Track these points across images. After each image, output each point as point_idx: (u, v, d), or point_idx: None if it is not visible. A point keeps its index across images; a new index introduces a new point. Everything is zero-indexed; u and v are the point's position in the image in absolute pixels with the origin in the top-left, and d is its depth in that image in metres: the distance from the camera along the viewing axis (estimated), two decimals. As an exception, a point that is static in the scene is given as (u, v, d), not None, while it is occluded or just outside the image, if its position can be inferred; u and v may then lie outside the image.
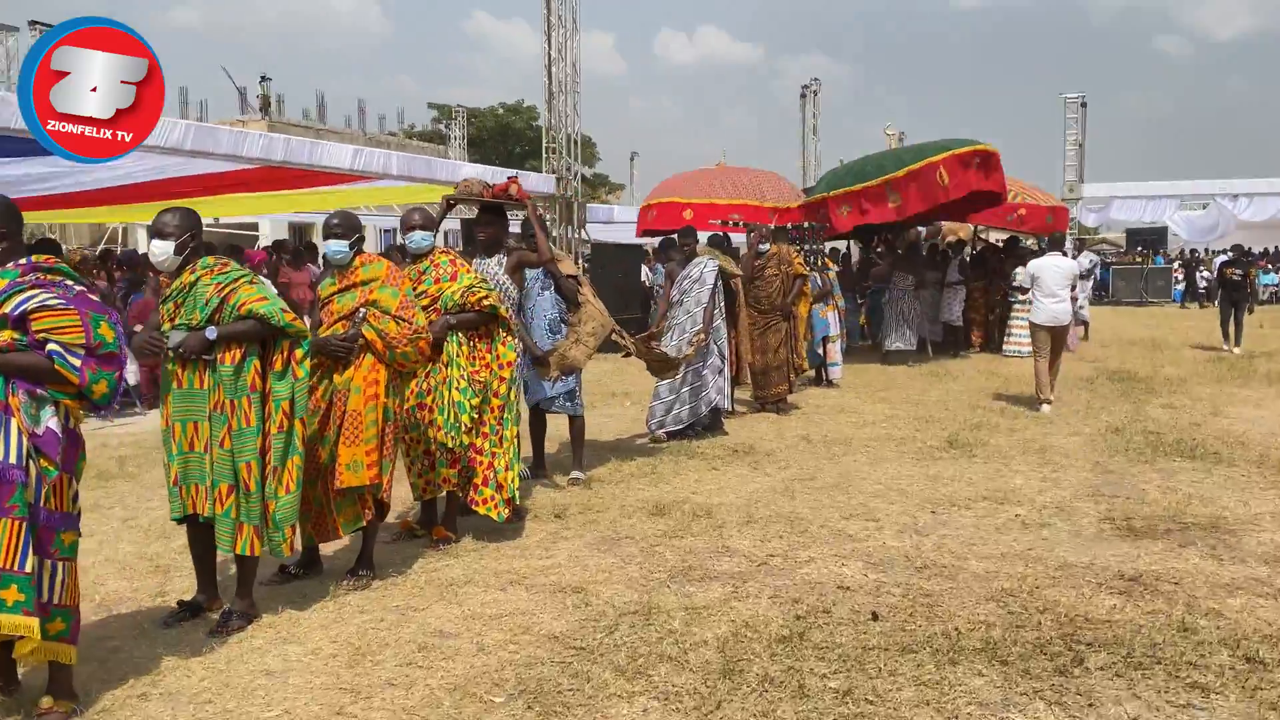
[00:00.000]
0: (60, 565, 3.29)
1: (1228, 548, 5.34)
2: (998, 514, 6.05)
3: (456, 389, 5.05)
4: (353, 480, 4.47)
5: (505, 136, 47.99)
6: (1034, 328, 10.17)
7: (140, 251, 14.48)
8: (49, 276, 3.33)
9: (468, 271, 5.22)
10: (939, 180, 12.83)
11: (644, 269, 16.36)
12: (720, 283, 8.64)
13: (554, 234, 17.25)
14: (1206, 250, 30.45)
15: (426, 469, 5.24)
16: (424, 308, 5.11)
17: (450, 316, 5.09)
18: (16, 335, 3.20)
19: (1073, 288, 10.19)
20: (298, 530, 4.29)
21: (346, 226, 4.60)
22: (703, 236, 10.00)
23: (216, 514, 4.03)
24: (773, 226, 11.22)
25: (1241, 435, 8.33)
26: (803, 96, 32.49)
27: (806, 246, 11.28)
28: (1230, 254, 15.23)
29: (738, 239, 12.62)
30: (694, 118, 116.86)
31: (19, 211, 3.48)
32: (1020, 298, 13.53)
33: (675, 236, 8.98)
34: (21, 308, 3.21)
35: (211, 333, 3.95)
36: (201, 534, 4.18)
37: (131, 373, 9.80)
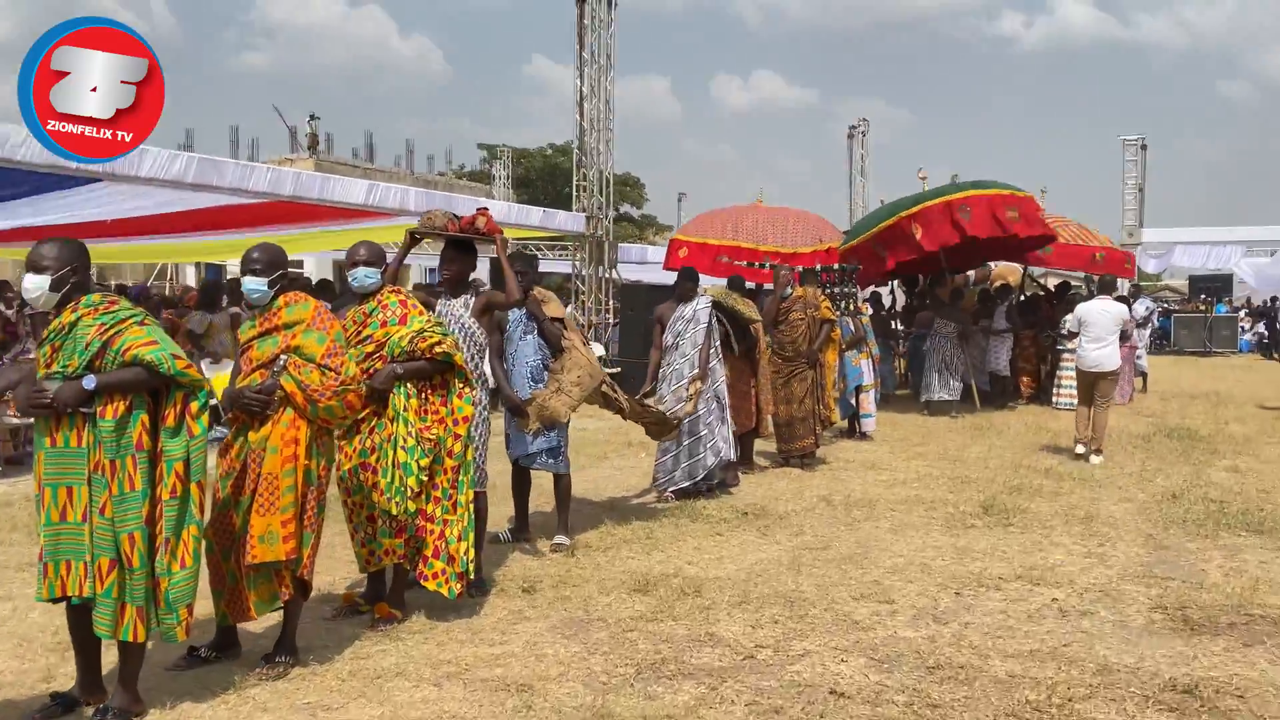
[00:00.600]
0: None
1: (1303, 649, 4.53)
2: (1031, 597, 5.29)
3: (403, 448, 4.46)
4: (266, 554, 3.88)
5: (554, 176, 47.91)
6: (1078, 373, 10.01)
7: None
8: None
9: (420, 314, 4.64)
10: (960, 216, 12.10)
11: (677, 310, 15.74)
12: (716, 323, 7.99)
13: (584, 273, 16.77)
14: (1275, 300, 29.03)
15: (370, 537, 4.64)
16: (368, 354, 4.56)
17: (397, 365, 4.51)
18: None
19: (1125, 335, 9.65)
20: (211, 610, 3.71)
21: (267, 261, 4.04)
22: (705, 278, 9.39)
23: (96, 593, 3.47)
24: (801, 268, 10.56)
25: (1317, 506, 7.44)
26: (850, 137, 31.83)
27: (837, 289, 10.59)
28: None
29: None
30: (748, 160, 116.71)
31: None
32: (1070, 346, 12.65)
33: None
34: None
35: (90, 382, 3.41)
36: (81, 617, 3.61)
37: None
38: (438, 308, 5.15)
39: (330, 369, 3.98)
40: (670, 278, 9.49)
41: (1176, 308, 29.07)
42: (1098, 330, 9.65)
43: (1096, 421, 9.68)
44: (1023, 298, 15.94)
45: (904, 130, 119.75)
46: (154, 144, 8.51)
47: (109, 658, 3.79)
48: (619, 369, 13.30)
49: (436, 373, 4.61)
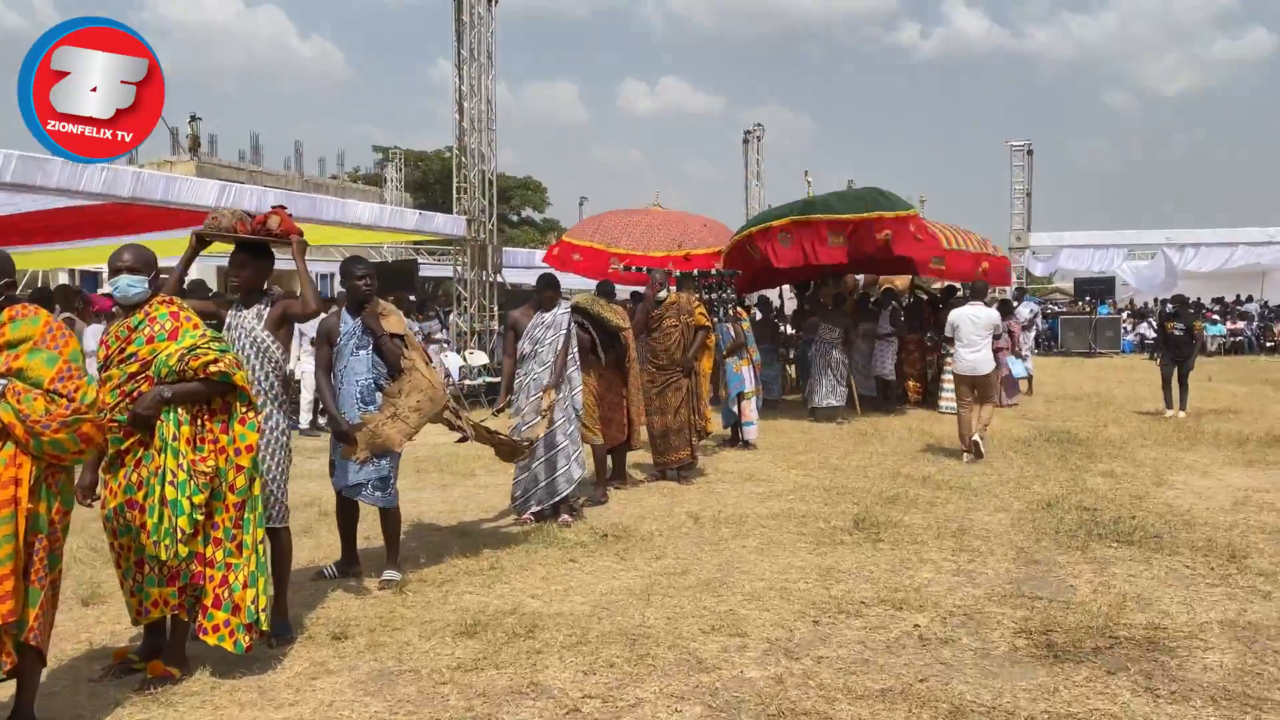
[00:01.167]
0: None
1: (1166, 675, 4.26)
2: (893, 624, 4.94)
3: (171, 483, 3.86)
4: (-21, 616, 3.26)
5: (452, 180, 47.00)
6: (955, 378, 10.15)
7: None
8: None
9: (194, 327, 4.04)
10: (880, 238, 12.00)
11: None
12: (579, 331, 7.54)
13: (466, 278, 16.13)
14: (1157, 301, 29.96)
15: (140, 585, 4.03)
16: (132, 375, 3.95)
17: (165, 388, 3.91)
18: None
19: (997, 338, 10.11)
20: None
21: (143, 260, 3.64)
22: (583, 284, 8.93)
23: None
24: (677, 272, 10.17)
25: (1186, 512, 7.33)
26: (745, 142, 31.74)
27: (714, 294, 10.23)
28: (1172, 306, 13.56)
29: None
30: (654, 166, 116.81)
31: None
32: (951, 350, 12.57)
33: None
34: None
35: None
36: None
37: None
38: (227, 319, 4.56)
39: (61, 395, 3.37)
40: (560, 277, 9.06)
41: (1064, 310, 29.72)
42: (969, 336, 9.88)
43: (981, 415, 9.85)
44: (909, 300, 15.89)
45: (806, 136, 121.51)
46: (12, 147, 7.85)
47: None
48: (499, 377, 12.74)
49: (213, 395, 4.02)
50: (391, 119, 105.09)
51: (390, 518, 5.60)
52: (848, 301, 14.33)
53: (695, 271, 10.33)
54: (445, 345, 14.95)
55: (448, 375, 14.75)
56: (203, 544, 3.99)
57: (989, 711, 3.86)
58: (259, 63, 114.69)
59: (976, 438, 9.71)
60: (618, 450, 8.62)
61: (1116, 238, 30.23)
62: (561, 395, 7.05)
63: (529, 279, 18.90)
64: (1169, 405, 12.40)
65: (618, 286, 10.26)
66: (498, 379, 12.30)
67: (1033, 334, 19.27)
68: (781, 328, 15.57)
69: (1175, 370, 12.37)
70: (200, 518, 3.93)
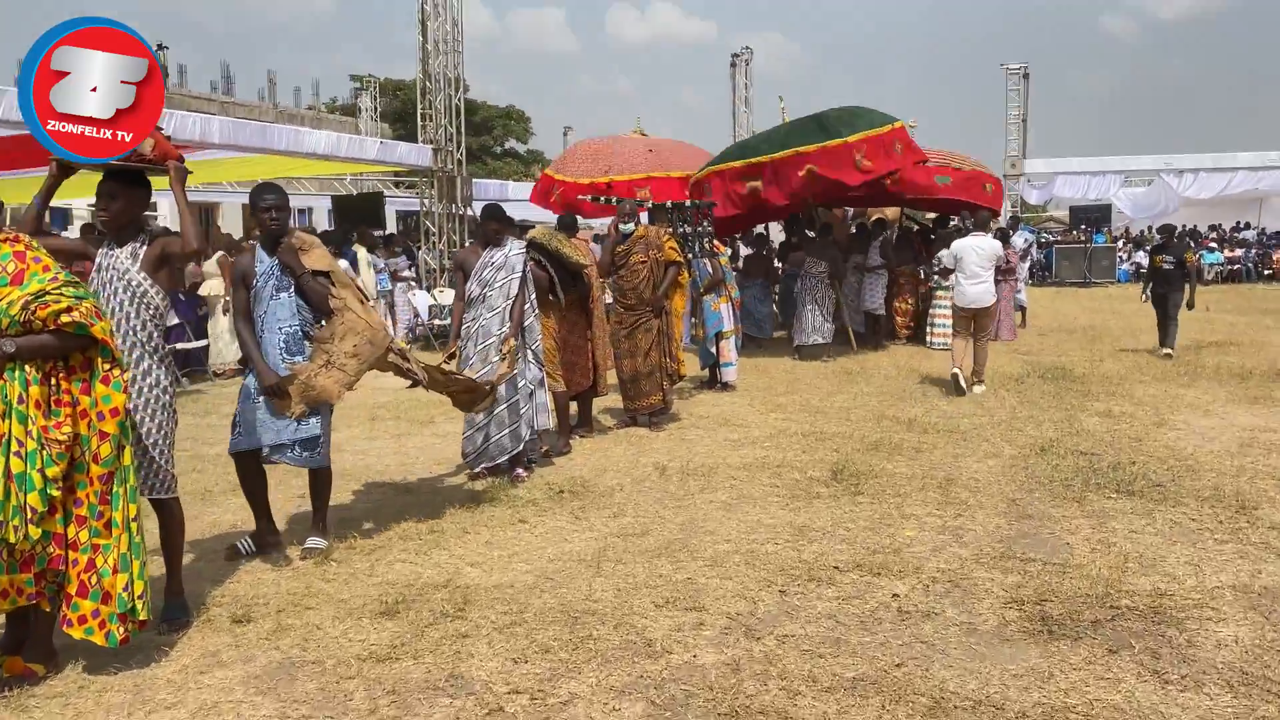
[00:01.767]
0: None
1: (1175, 653, 3.76)
2: (869, 594, 4.43)
3: (17, 454, 3.29)
4: None
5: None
6: (955, 311, 9.86)
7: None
8: None
9: (44, 270, 3.43)
10: (855, 163, 11.37)
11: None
12: (538, 270, 6.93)
13: (433, 211, 15.41)
14: (1150, 229, 29.28)
15: (-8, 571, 3.47)
16: (-32, 327, 3.34)
17: (6, 340, 3.31)
18: None
19: (1009, 271, 9.71)
20: None
21: None
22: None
23: None
24: (650, 204, 9.50)
25: (1190, 456, 6.82)
26: (733, 65, 30.58)
27: (689, 228, 9.56)
28: (1161, 237, 12.04)
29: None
30: (644, 95, 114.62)
31: None
32: (945, 284, 11.99)
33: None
34: None
35: None
36: None
37: None
38: (98, 258, 3.95)
39: None
40: (538, 213, 8.47)
41: (1058, 239, 29.04)
42: (973, 267, 9.62)
43: (977, 356, 9.59)
44: (896, 231, 15.23)
45: (797, 63, 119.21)
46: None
47: None
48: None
49: (69, 350, 3.42)
50: (373, 49, 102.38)
51: (319, 479, 5.03)
52: (834, 232, 13.65)
53: (669, 203, 9.64)
54: (413, 283, 14.29)
55: (416, 315, 14.13)
56: (63, 523, 3.43)
57: (974, 707, 3.36)
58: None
59: (977, 389, 9.48)
60: (583, 396, 8.07)
61: (1114, 163, 29.45)
62: (516, 344, 6.46)
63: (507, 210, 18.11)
64: (1163, 343, 11.62)
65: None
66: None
67: (1027, 264, 18.64)
68: (776, 263, 14.92)
69: (1165, 306, 11.51)
70: (57, 493, 3.36)
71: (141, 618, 3.58)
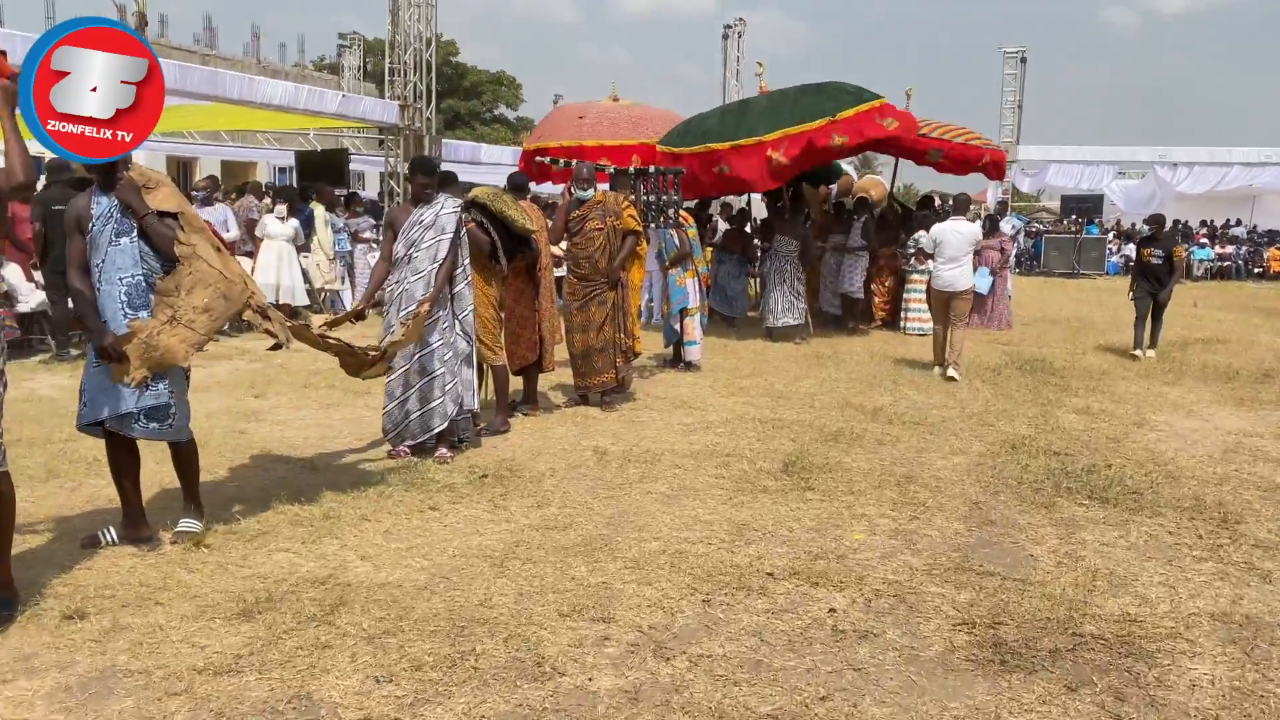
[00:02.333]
0: None
1: (1143, 694, 3.27)
2: (803, 606, 3.93)
3: None
4: None
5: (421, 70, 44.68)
6: (931, 294, 9.68)
7: None
8: None
9: None
10: (832, 143, 10.90)
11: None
12: (481, 233, 6.38)
13: (400, 171, 14.75)
14: (1139, 224, 28.80)
15: None
16: None
17: None
18: None
19: (1003, 255, 9.49)
20: None
21: None
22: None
23: None
24: (612, 169, 8.91)
25: (1170, 461, 6.34)
26: (725, 37, 29.80)
27: (653, 197, 8.98)
28: (1149, 229, 11.13)
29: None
30: (643, 67, 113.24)
31: None
32: (919, 267, 11.49)
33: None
34: None
35: None
36: None
37: None
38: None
39: None
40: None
41: (1049, 229, 28.53)
42: (951, 250, 9.35)
43: (953, 341, 9.32)
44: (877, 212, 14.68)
45: (798, 41, 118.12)
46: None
47: None
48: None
49: None
50: (362, 7, 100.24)
51: (181, 454, 4.47)
52: (813, 211, 13.09)
53: (632, 169, 9.05)
54: (375, 245, 13.67)
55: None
56: None
57: (903, 757, 2.86)
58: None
59: (951, 372, 9.17)
60: (528, 371, 7.52)
61: (1107, 153, 28.89)
62: (441, 313, 5.90)
63: (479, 176, 17.45)
64: (1139, 345, 10.79)
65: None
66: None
67: (1013, 252, 18.11)
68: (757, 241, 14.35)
69: (1150, 305, 10.87)
70: None
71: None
